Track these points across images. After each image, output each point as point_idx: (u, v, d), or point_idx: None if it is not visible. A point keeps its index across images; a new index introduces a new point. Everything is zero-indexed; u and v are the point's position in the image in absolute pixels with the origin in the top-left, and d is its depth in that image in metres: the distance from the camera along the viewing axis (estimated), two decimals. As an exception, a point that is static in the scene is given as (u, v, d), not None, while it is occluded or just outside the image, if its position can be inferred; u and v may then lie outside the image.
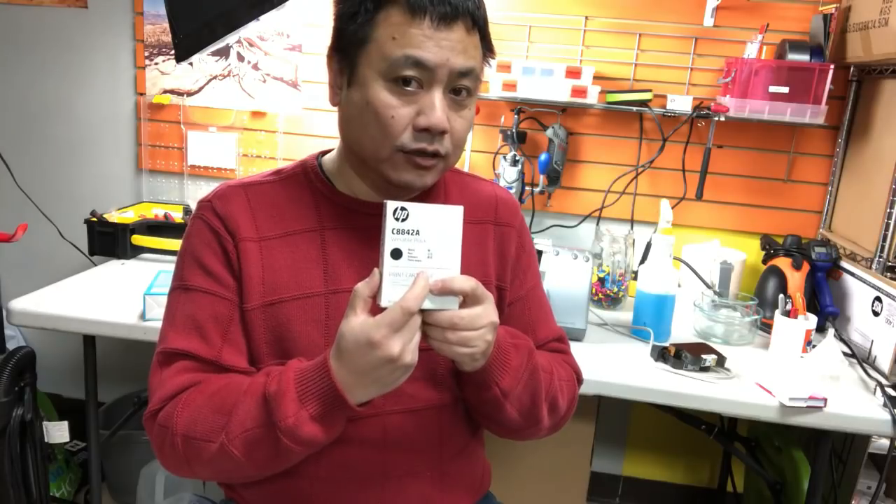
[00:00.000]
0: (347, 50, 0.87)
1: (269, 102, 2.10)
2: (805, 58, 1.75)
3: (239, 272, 0.89)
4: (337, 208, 0.93)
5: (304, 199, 0.94)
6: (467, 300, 0.78)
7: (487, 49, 0.90)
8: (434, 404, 0.96)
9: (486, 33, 0.88)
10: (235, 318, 0.89)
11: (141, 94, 2.15)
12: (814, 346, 1.48)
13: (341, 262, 0.92)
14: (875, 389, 1.38)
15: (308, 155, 0.99)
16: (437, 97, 0.83)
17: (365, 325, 0.74)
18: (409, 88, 0.83)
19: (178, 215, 1.97)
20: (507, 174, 1.87)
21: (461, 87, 0.85)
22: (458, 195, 1.00)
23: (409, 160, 0.85)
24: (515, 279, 1.02)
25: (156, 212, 2.01)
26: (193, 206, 1.99)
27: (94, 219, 1.86)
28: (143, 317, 1.45)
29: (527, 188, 1.97)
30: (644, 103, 1.86)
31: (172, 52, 1.65)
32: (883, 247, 1.59)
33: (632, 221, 1.99)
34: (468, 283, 0.77)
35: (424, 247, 0.78)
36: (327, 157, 0.98)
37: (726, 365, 1.43)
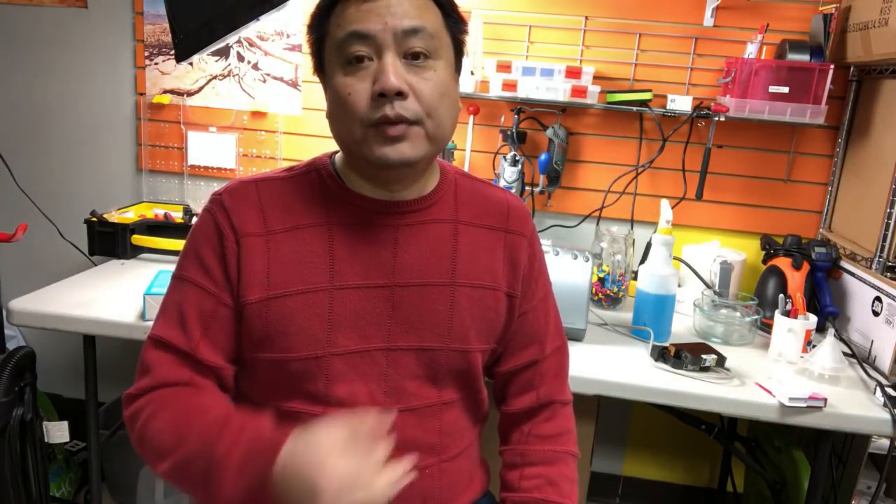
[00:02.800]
0: (319, 59, 0.91)
1: (269, 102, 2.10)
2: (805, 58, 1.75)
3: (238, 269, 0.90)
4: (346, 205, 0.93)
5: (314, 194, 0.94)
6: None
7: (449, 15, 0.89)
8: (435, 403, 0.96)
9: (442, 1, 0.89)
10: (218, 316, 0.90)
11: (141, 94, 2.15)
12: (814, 346, 1.48)
13: (347, 258, 0.92)
14: (875, 389, 1.38)
15: (322, 153, 1.00)
16: (388, 61, 0.84)
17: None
18: (362, 64, 0.85)
19: (178, 215, 1.97)
20: (507, 174, 1.87)
21: (415, 47, 0.85)
22: (470, 201, 1.00)
23: (378, 133, 0.85)
24: (528, 290, 1.02)
25: (156, 212, 2.01)
26: (193, 206, 2.00)
27: (94, 219, 1.86)
28: (143, 317, 1.46)
29: (527, 188, 1.97)
30: (644, 103, 1.86)
31: (172, 52, 1.65)
32: (883, 247, 1.59)
33: (632, 221, 1.99)
34: None
35: None
36: (339, 155, 0.98)
37: (726, 365, 1.43)
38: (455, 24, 0.91)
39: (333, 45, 0.87)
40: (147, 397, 0.88)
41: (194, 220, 1.88)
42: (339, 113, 0.87)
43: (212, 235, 0.92)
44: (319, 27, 0.89)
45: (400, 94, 0.84)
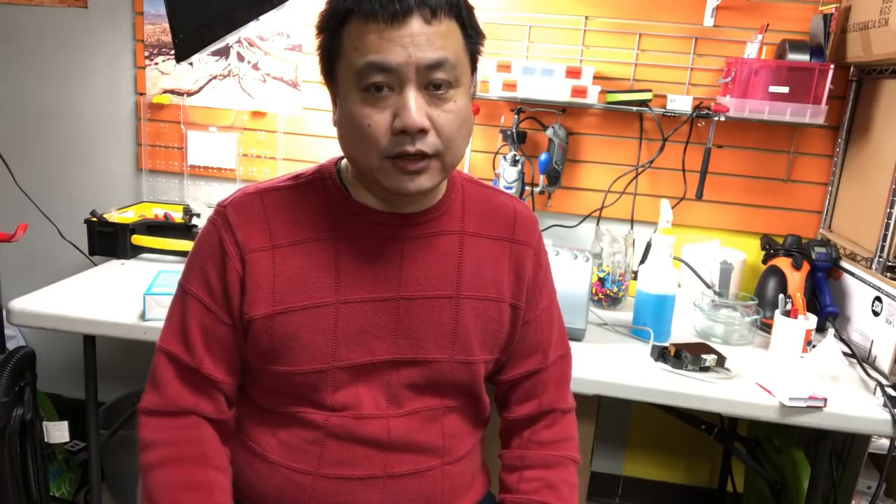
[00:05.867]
0: (329, 68, 0.89)
1: (269, 102, 2.09)
2: (805, 58, 1.75)
3: (241, 287, 0.90)
4: (352, 217, 0.93)
5: (320, 206, 0.93)
6: None
7: (469, 34, 0.87)
8: (437, 409, 0.97)
9: (464, 19, 0.86)
10: (217, 333, 0.91)
11: (141, 94, 2.15)
12: (814, 346, 1.48)
13: (352, 272, 0.92)
14: (875, 389, 1.38)
15: (328, 159, 0.98)
16: (410, 96, 0.81)
17: None
18: (381, 94, 0.82)
19: (178, 215, 1.97)
20: (507, 174, 1.87)
21: (437, 80, 0.82)
22: (477, 209, 0.99)
23: (396, 165, 0.84)
24: (531, 300, 1.02)
25: (156, 212, 2.01)
26: (193, 206, 2.00)
27: (94, 219, 1.86)
28: (143, 317, 1.45)
29: (527, 188, 1.97)
30: (644, 103, 1.86)
31: (172, 52, 1.65)
32: (883, 247, 1.59)
33: (632, 221, 1.99)
34: None
35: None
36: (344, 162, 0.97)
37: (726, 365, 1.43)
38: (473, 42, 0.88)
39: (350, 69, 0.83)
40: (157, 428, 0.92)
41: (195, 220, 1.89)
42: (356, 138, 0.85)
43: (215, 252, 0.91)
44: (331, 39, 0.86)
45: (421, 131, 0.82)
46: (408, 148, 0.82)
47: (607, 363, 1.43)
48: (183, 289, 0.94)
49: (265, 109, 2.10)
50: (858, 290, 1.65)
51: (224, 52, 2.07)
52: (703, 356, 1.41)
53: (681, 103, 1.85)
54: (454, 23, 0.84)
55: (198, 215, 1.91)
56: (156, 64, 2.12)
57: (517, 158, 1.88)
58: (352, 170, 0.94)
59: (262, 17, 1.57)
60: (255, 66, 2.08)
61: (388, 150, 0.83)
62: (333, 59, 0.87)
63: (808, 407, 1.29)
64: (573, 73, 1.84)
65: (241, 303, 0.90)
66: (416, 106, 0.81)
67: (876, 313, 1.55)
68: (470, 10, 0.87)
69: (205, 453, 0.91)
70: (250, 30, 2.00)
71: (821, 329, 1.65)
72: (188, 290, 0.93)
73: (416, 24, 0.80)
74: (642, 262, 1.83)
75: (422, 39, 0.80)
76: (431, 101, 0.83)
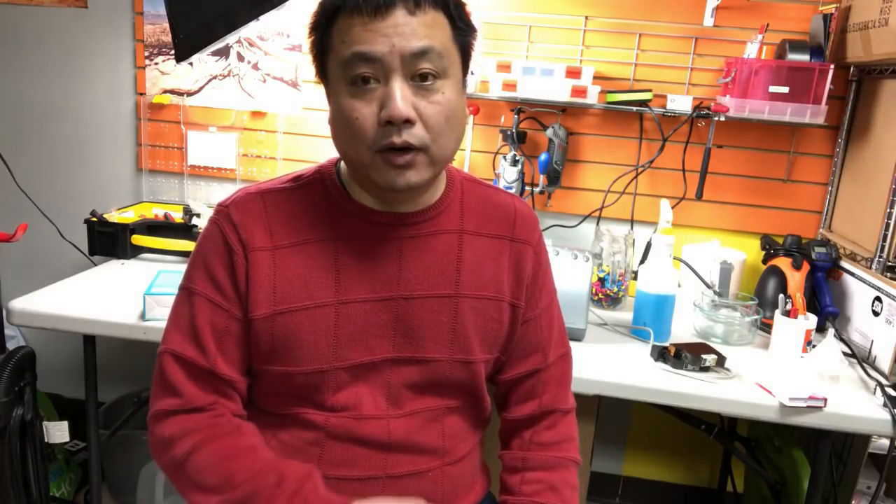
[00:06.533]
0: (321, 67, 0.89)
1: (269, 102, 2.09)
2: (805, 58, 1.75)
3: (247, 283, 0.90)
4: (351, 217, 0.93)
5: (321, 207, 0.93)
6: None
7: (458, 26, 0.87)
8: (438, 409, 0.97)
9: (451, 11, 0.86)
10: (231, 330, 0.91)
11: (141, 94, 2.15)
12: (814, 346, 1.48)
13: (352, 272, 0.92)
14: (875, 389, 1.38)
15: (328, 159, 0.98)
16: (396, 87, 0.82)
17: None
18: (368, 86, 0.83)
19: (178, 215, 1.97)
20: (507, 174, 1.87)
21: (424, 70, 0.83)
22: (476, 208, 0.99)
23: (385, 160, 0.84)
24: (531, 298, 1.01)
25: (156, 212, 2.01)
26: (193, 206, 2.00)
27: (94, 219, 1.86)
28: (143, 317, 1.45)
29: (527, 188, 1.97)
30: (644, 103, 1.86)
31: (172, 52, 1.65)
32: (883, 247, 1.59)
33: (632, 221, 1.99)
34: None
35: None
36: (343, 163, 0.97)
37: (726, 365, 1.43)
38: (463, 34, 0.88)
39: (338, 62, 0.84)
40: (181, 423, 0.89)
41: (195, 220, 1.89)
42: (346, 133, 0.86)
43: (221, 249, 0.91)
44: (322, 37, 0.87)
45: (407, 122, 0.82)
46: (394, 139, 0.82)
47: (607, 363, 1.43)
48: (188, 290, 0.92)
49: (265, 109, 2.10)
50: (858, 290, 1.65)
51: (224, 52, 2.07)
52: (703, 356, 1.41)
53: (681, 103, 1.85)
54: (440, 14, 0.85)
55: (198, 215, 1.92)
56: (156, 64, 2.12)
57: (517, 158, 1.88)
58: (349, 171, 0.94)
59: (262, 17, 1.57)
60: (255, 66, 2.08)
61: (376, 142, 0.83)
62: (325, 57, 0.88)
63: (808, 407, 1.29)
64: (573, 73, 1.84)
65: (247, 300, 0.90)
66: (401, 96, 0.82)
67: (876, 313, 1.55)
68: (458, 2, 0.88)
69: (238, 427, 0.91)
70: (250, 30, 2.00)
71: (821, 329, 1.65)
72: (195, 291, 0.91)
73: (399, 16, 0.81)
74: (642, 262, 1.83)
75: (406, 29, 0.81)
76: (418, 93, 0.83)
